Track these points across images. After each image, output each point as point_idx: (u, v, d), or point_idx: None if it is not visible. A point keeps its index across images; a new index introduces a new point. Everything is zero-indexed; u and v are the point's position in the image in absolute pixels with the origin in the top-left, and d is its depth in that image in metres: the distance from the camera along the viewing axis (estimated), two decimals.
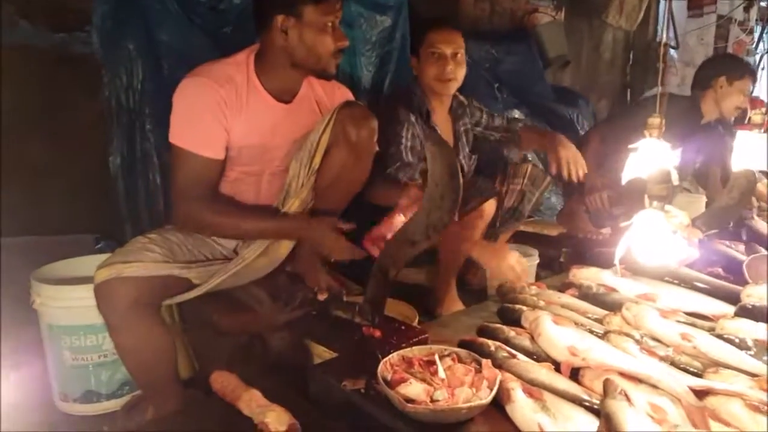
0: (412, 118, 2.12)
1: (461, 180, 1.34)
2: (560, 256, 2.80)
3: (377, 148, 1.75)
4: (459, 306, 2.15)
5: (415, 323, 1.85)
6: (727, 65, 2.96)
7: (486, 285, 2.32)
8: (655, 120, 1.48)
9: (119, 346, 1.50)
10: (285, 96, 1.67)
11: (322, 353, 1.68)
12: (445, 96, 2.27)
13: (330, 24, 1.55)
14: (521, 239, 2.64)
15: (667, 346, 1.40)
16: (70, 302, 1.74)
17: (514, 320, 1.60)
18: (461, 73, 2.21)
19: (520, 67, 3.47)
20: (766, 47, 7.26)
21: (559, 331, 1.40)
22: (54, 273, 1.91)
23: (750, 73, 2.94)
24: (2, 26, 2.07)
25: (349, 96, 1.85)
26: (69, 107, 2.23)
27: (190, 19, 2.24)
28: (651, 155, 1.45)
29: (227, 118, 1.55)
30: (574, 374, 1.32)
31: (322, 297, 1.70)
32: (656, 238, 1.44)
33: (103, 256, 1.97)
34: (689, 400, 1.14)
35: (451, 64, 2.16)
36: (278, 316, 1.72)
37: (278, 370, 1.73)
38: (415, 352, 1.35)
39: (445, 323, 1.78)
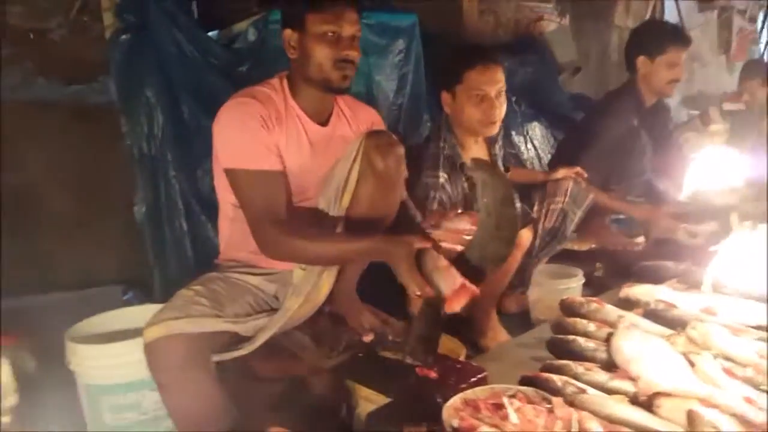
0: (441, 180, 1.99)
1: (518, 208, 1.28)
2: (594, 271, 2.71)
3: (407, 174, 1.68)
4: (504, 336, 2.06)
5: (462, 358, 1.78)
6: (642, 42, 2.65)
7: (528, 308, 2.24)
8: (717, 126, 1.39)
9: (170, 406, 1.44)
10: (320, 117, 1.64)
11: (369, 396, 1.60)
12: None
13: (332, 33, 1.51)
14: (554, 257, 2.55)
15: (744, 366, 1.33)
16: (107, 360, 1.69)
17: (569, 351, 1.52)
18: (504, 111, 2.06)
19: (536, 78, 3.41)
20: None
21: None
22: (87, 330, 1.85)
23: (673, 40, 2.60)
24: (20, 83, 2.05)
25: (373, 115, 1.81)
26: (89, 159, 2.21)
27: (206, 59, 2.22)
28: (717, 165, 1.36)
29: (272, 134, 1.52)
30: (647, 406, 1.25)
31: (367, 339, 1.63)
32: (753, 263, 1.35)
33: (135, 308, 1.96)
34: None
35: (498, 106, 2.01)
36: (323, 361, 1.66)
37: (319, 414, 1.67)
38: (477, 393, 1.28)
39: (495, 356, 1.71)
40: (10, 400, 1.36)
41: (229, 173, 1.51)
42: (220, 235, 1.75)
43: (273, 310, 1.58)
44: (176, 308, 1.42)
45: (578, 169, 2.30)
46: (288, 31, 1.56)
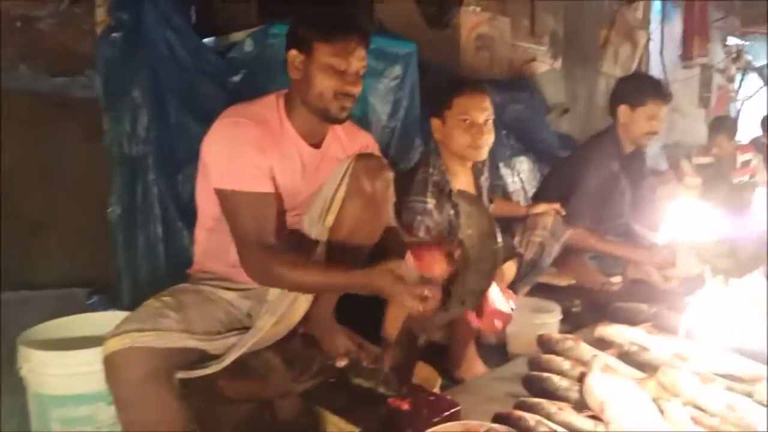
0: (429, 206, 2.00)
1: (500, 241, 1.26)
2: (572, 307, 2.70)
3: (394, 198, 1.66)
4: (480, 368, 2.02)
5: (437, 389, 1.73)
6: (625, 92, 2.73)
7: (505, 342, 2.21)
8: (693, 180, 1.41)
9: (126, 423, 1.35)
10: (314, 139, 1.61)
11: (338, 424, 1.55)
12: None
13: (338, 66, 1.49)
14: (534, 291, 2.54)
15: (711, 415, 1.31)
16: (63, 369, 1.59)
17: (543, 390, 1.50)
18: (492, 138, 2.12)
19: (525, 115, 3.48)
20: (747, 94, 7.50)
21: None
22: (44, 335, 1.75)
23: (654, 94, 2.66)
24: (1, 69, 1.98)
25: (368, 139, 1.78)
26: (66, 153, 2.13)
27: (198, 65, 2.18)
28: (690, 217, 1.38)
29: (266, 156, 1.48)
30: None
31: (340, 364, 1.58)
32: (726, 317, 1.36)
33: (98, 314, 1.88)
34: None
35: (486, 132, 2.07)
36: (293, 384, 1.59)
37: None
38: (449, 429, 1.23)
39: (470, 389, 1.67)
40: None
41: (220, 194, 1.47)
42: (195, 244, 1.69)
43: (245, 329, 1.51)
44: (141, 320, 1.35)
45: (557, 205, 2.34)
46: (293, 52, 1.52)
